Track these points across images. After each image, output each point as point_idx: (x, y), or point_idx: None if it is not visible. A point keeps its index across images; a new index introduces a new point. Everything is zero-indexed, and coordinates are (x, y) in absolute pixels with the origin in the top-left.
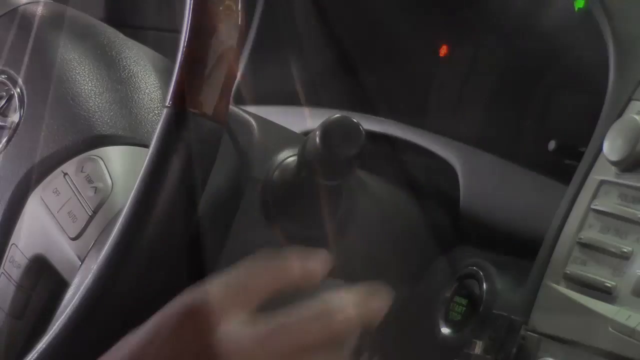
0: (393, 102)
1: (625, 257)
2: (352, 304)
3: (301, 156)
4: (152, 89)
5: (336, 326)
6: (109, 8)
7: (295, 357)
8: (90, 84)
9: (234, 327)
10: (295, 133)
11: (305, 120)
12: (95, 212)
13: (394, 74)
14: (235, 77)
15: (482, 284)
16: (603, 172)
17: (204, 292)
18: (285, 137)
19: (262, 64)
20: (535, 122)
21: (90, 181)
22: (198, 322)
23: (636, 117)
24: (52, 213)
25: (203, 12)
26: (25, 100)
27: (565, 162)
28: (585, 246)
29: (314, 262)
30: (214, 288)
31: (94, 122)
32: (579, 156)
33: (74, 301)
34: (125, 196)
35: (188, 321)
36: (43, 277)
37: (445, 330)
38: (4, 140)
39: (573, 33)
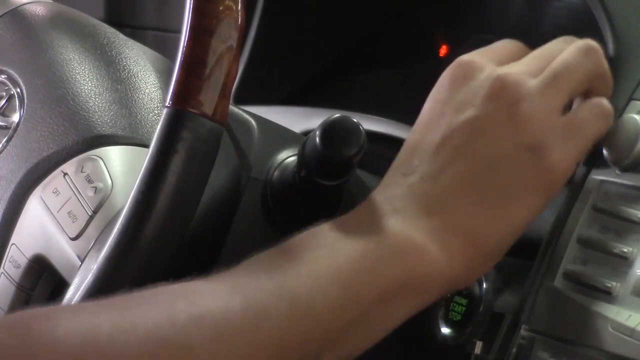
0: (393, 102)
1: (625, 257)
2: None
3: (301, 156)
4: (152, 89)
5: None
6: (109, 8)
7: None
8: (90, 84)
9: (495, 68)
10: (295, 133)
11: (305, 120)
12: (95, 212)
13: (394, 74)
14: (235, 77)
15: (482, 284)
16: (603, 172)
17: (464, 56)
18: (285, 137)
19: (262, 64)
20: None
21: (90, 181)
22: (467, 68)
23: (636, 117)
24: (52, 213)
25: (203, 12)
26: (25, 100)
27: None
28: (585, 246)
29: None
30: (470, 54)
31: (94, 122)
32: None
33: (74, 301)
34: (125, 196)
35: (459, 68)
36: (43, 277)
37: (445, 330)
38: (4, 140)
39: (573, 33)
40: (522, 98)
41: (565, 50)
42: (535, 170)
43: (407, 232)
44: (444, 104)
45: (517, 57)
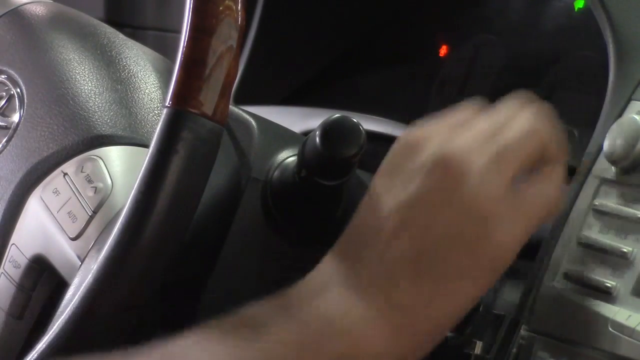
0: (393, 102)
1: (625, 257)
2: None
3: (301, 156)
4: (152, 89)
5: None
6: (109, 8)
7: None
8: (90, 84)
9: (440, 144)
10: (295, 133)
11: (305, 120)
12: (95, 212)
13: (394, 74)
14: (235, 77)
15: None
16: (603, 172)
17: (412, 130)
18: (285, 137)
19: (262, 64)
20: None
21: (90, 181)
22: (414, 144)
23: (636, 117)
24: (52, 213)
25: (203, 12)
26: (25, 100)
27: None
28: (585, 246)
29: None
30: (420, 127)
31: (94, 122)
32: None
33: (74, 301)
34: (125, 196)
35: (406, 144)
36: (43, 277)
37: None
38: (4, 140)
39: (573, 33)
40: (466, 177)
41: (514, 119)
42: (480, 247)
43: (351, 308)
44: (391, 178)
45: (471, 122)
